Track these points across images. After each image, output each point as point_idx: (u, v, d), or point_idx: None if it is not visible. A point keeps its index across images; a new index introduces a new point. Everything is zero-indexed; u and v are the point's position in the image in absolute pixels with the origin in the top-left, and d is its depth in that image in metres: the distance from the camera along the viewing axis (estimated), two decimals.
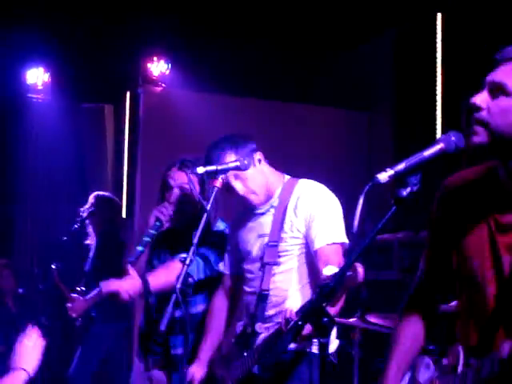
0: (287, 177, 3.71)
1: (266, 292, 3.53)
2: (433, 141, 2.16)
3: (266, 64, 8.06)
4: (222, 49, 7.78)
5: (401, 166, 2.09)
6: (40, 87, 8.62)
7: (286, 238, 3.53)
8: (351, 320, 5.21)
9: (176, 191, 4.05)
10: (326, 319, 2.02)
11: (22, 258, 8.53)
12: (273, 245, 3.55)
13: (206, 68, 7.84)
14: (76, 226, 6.53)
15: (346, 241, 3.49)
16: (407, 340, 2.47)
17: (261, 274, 3.57)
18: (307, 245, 3.51)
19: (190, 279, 3.48)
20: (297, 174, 3.78)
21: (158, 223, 3.98)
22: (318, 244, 3.44)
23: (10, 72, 8.34)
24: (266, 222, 3.62)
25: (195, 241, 3.38)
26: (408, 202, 2.10)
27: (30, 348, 2.87)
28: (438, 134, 7.49)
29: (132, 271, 3.80)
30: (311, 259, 3.51)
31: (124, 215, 8.41)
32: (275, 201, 3.61)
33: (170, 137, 7.77)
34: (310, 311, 2.01)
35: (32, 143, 8.75)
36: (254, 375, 3.49)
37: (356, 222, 2.04)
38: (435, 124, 7.51)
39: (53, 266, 6.71)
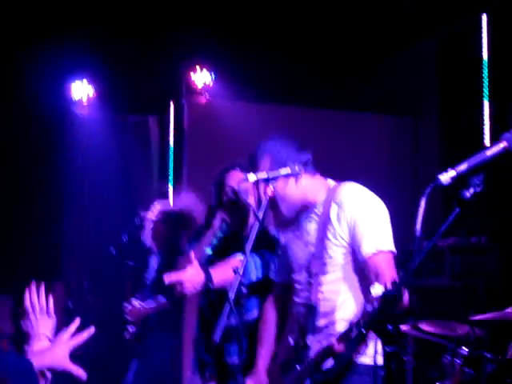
0: (332, 183, 3.61)
1: (316, 303, 3.44)
2: (495, 141, 2.10)
3: (310, 72, 8.02)
4: (265, 59, 7.75)
5: (463, 167, 2.04)
6: (85, 102, 8.66)
7: (330, 247, 3.42)
8: (404, 328, 5.12)
9: (231, 194, 4.02)
10: (391, 327, 1.97)
11: (71, 271, 8.56)
12: (318, 255, 3.46)
13: (250, 78, 7.83)
14: (124, 239, 6.49)
15: (394, 249, 3.36)
16: None
17: (308, 285, 3.50)
18: (353, 252, 3.39)
19: (244, 289, 3.42)
20: (343, 181, 3.65)
21: (224, 225, 3.94)
22: (365, 253, 3.31)
23: (56, 87, 8.40)
24: (311, 230, 3.53)
25: (248, 248, 3.35)
26: (471, 204, 2.04)
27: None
28: (486, 138, 7.40)
29: (195, 263, 3.74)
30: (360, 267, 3.40)
31: None
32: (319, 208, 3.50)
33: (214, 147, 7.76)
34: (373, 319, 1.95)
35: (78, 158, 8.80)
36: None
37: (419, 226, 1.99)
38: (483, 128, 7.42)
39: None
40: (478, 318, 5.09)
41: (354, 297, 3.42)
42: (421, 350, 5.61)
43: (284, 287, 3.75)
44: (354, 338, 1.94)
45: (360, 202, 3.41)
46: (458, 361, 5.11)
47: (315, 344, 3.37)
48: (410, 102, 8.46)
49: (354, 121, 8.33)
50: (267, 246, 3.91)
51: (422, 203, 1.99)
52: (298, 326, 3.55)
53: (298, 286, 3.59)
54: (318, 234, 3.47)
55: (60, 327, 2.96)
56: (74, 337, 2.84)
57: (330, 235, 3.42)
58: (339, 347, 2.97)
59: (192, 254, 3.66)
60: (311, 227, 3.52)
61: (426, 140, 8.38)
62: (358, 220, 3.35)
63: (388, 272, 3.22)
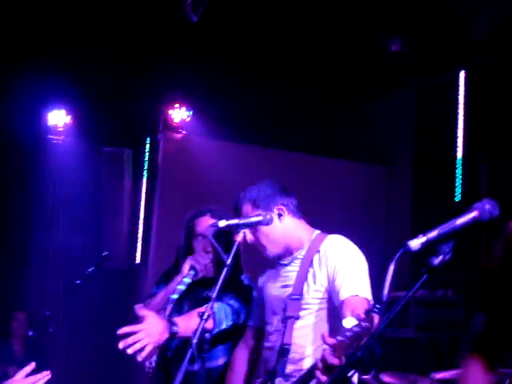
0: (317, 232, 3.62)
1: (288, 346, 3.43)
2: (466, 207, 2.12)
3: (287, 116, 8.07)
4: (243, 98, 7.79)
5: (433, 234, 2.05)
6: (61, 129, 8.63)
7: (308, 291, 3.43)
8: (365, 377, 5.11)
9: (201, 240, 3.98)
10: (351, 375, 1.96)
11: (34, 300, 8.48)
12: (296, 298, 3.45)
13: (227, 117, 7.86)
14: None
15: (371, 298, 3.35)
16: None
17: (282, 327, 3.47)
18: (329, 300, 3.40)
19: (207, 335, 3.39)
20: (315, 225, 3.69)
21: (192, 272, 3.90)
22: (344, 295, 3.30)
23: (32, 113, 8.37)
24: (290, 274, 3.53)
25: (214, 295, 3.32)
26: (439, 271, 2.05)
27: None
28: (458, 190, 7.46)
29: (150, 313, 3.49)
30: (332, 317, 3.40)
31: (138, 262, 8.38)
32: (301, 253, 3.52)
33: (188, 184, 7.76)
34: (335, 379, 1.95)
35: (51, 184, 8.75)
36: None
37: (386, 290, 1.99)
38: (455, 179, 7.49)
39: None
40: (440, 375, 5.08)
41: (320, 347, 3.38)
42: None
43: (257, 331, 3.74)
44: None
45: (343, 251, 3.44)
46: None
47: None
48: (386, 151, 8.53)
49: (328, 166, 8.38)
50: (237, 293, 3.89)
51: (391, 268, 1.99)
52: (265, 371, 3.53)
53: (269, 329, 3.58)
54: (297, 277, 3.47)
55: (21, 355, 2.94)
56: (28, 377, 2.82)
57: (309, 279, 3.44)
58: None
59: (140, 309, 3.49)
60: (291, 270, 3.53)
61: (399, 189, 8.44)
62: (339, 267, 3.37)
63: (362, 312, 3.23)
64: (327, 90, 8.02)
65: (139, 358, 3.30)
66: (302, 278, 3.46)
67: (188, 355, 3.24)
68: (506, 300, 2.37)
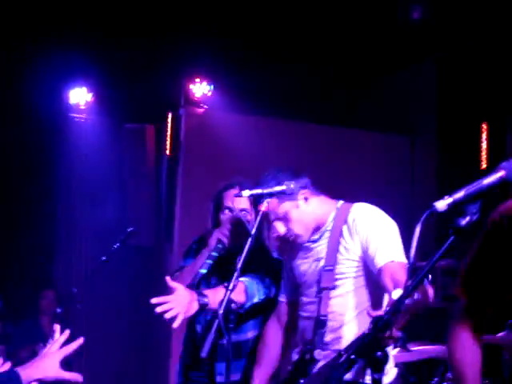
0: (340, 202, 3.62)
1: (324, 317, 3.45)
2: (493, 168, 2.08)
3: (309, 87, 8.02)
4: (265, 71, 7.75)
5: (460, 194, 2.01)
6: (82, 107, 8.65)
7: (341, 261, 3.45)
8: (394, 350, 5.09)
9: (228, 213, 3.97)
10: (379, 353, 1.93)
11: (62, 278, 8.55)
12: (329, 269, 3.47)
13: (249, 90, 7.82)
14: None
15: (406, 262, 3.31)
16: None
17: (318, 298, 3.49)
18: (365, 267, 3.41)
19: (233, 305, 3.37)
20: (340, 197, 3.70)
21: (220, 245, 3.89)
22: (380, 262, 3.30)
23: (53, 91, 8.39)
24: (321, 247, 3.55)
25: (239, 265, 3.32)
26: (467, 232, 2.02)
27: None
28: (483, 159, 7.40)
29: (179, 286, 3.54)
30: (370, 283, 3.42)
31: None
32: (329, 225, 3.54)
33: (210, 158, 7.75)
34: (364, 344, 1.92)
35: (75, 162, 8.78)
36: None
37: (413, 253, 1.96)
38: (480, 145, 7.42)
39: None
40: None
41: (361, 314, 3.40)
42: (409, 372, 5.58)
43: (292, 305, 3.75)
44: (342, 363, 1.90)
45: (372, 218, 3.46)
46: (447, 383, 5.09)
47: (322, 358, 3.39)
48: (408, 120, 8.46)
49: (351, 137, 8.33)
50: (267, 267, 3.88)
51: (417, 230, 1.96)
52: (303, 341, 3.55)
53: (305, 300, 3.60)
54: (328, 249, 3.50)
55: (50, 332, 2.95)
56: (63, 347, 2.82)
57: (341, 250, 3.46)
58: None
59: (170, 281, 3.52)
60: (321, 244, 3.55)
61: (423, 159, 8.37)
62: (371, 235, 3.38)
63: (403, 277, 3.15)
64: (349, 61, 7.96)
65: (175, 325, 3.35)
66: (334, 249, 3.48)
67: (215, 326, 3.25)
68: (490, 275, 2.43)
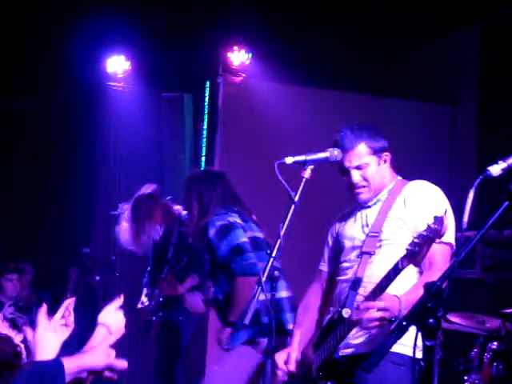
0: (400, 177, 3.76)
1: (360, 279, 3.52)
2: None
3: (348, 57, 7.95)
4: (303, 41, 7.69)
5: None
6: (120, 75, 8.63)
7: (387, 228, 3.55)
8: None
9: None
10: (431, 320, 1.91)
11: (100, 245, 8.59)
12: (373, 235, 3.58)
13: (288, 59, 7.76)
14: None
15: (454, 243, 3.45)
16: None
17: (357, 261, 3.58)
18: (409, 238, 3.35)
19: (277, 272, 3.38)
20: None
21: None
22: None
23: (91, 60, 8.38)
24: (371, 214, 3.66)
25: (282, 232, 3.33)
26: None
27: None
28: None
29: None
30: None
31: None
32: (384, 195, 3.67)
33: (248, 127, 7.75)
34: (416, 311, 1.90)
35: (111, 131, 8.80)
36: (336, 360, 3.53)
37: (466, 217, 1.93)
38: None
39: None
40: (509, 311, 5.04)
41: (400, 280, 3.37)
42: (448, 342, 5.54)
43: (329, 276, 3.87)
44: (394, 329, 1.89)
45: (429, 194, 3.58)
46: (487, 355, 5.05)
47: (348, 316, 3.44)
48: (449, 90, 8.35)
49: (391, 107, 8.25)
50: None
51: (471, 194, 1.93)
52: (338, 303, 3.61)
53: (345, 264, 3.69)
54: (378, 216, 3.61)
55: (82, 304, 2.87)
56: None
57: (390, 217, 3.56)
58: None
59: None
60: (373, 211, 3.66)
61: (464, 129, 8.27)
62: (425, 208, 3.46)
63: (441, 263, 3.34)
64: (389, 29, 7.85)
65: None
66: (383, 216, 3.59)
67: (257, 293, 3.26)
68: None
